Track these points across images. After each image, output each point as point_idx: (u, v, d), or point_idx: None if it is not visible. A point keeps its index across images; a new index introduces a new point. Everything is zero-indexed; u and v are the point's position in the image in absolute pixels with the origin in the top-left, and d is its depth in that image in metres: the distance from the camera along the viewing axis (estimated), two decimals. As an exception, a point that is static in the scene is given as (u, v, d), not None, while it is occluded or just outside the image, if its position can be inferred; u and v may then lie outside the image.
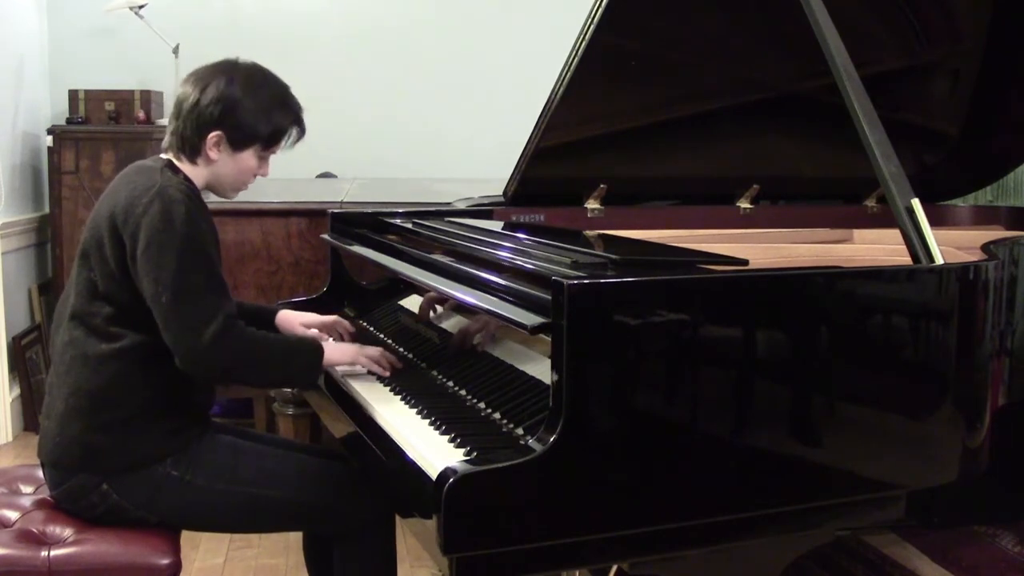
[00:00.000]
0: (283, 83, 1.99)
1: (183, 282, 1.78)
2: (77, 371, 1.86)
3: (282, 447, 2.09)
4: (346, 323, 2.24)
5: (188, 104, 1.91)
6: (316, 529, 2.11)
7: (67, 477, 1.87)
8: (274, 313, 2.23)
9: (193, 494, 1.88)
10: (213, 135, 1.90)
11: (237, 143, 1.92)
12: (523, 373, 1.72)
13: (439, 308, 2.16)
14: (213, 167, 1.94)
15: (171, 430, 1.89)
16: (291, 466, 1.99)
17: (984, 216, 2.96)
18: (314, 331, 2.19)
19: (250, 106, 1.91)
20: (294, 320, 2.21)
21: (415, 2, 5.16)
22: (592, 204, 2.55)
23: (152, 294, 1.79)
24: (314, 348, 1.93)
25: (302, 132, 2.01)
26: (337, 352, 1.97)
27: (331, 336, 2.20)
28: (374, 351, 2.00)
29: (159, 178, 1.85)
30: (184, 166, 1.94)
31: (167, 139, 1.96)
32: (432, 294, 2.18)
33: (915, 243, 1.71)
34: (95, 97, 4.59)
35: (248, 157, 1.95)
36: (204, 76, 1.93)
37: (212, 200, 2.02)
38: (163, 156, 1.97)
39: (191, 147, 1.92)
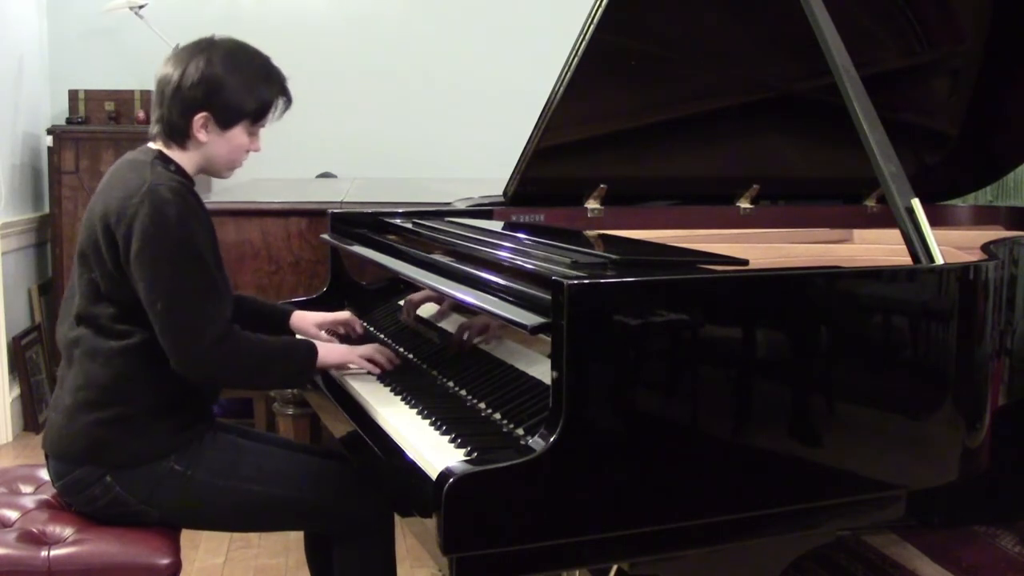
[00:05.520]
0: (264, 55, 1.95)
1: (176, 289, 1.77)
2: (87, 366, 1.86)
3: (283, 446, 2.09)
4: (357, 322, 2.23)
5: (170, 88, 1.87)
6: (316, 528, 2.11)
7: (71, 468, 1.87)
8: (288, 314, 2.23)
9: (194, 489, 1.88)
10: (199, 117, 1.87)
11: (224, 122, 1.89)
12: (523, 373, 1.71)
13: (420, 306, 2.16)
14: (204, 149, 1.91)
15: (177, 427, 1.89)
16: (292, 465, 1.99)
17: (984, 216, 2.97)
18: (324, 333, 2.20)
19: (233, 83, 1.87)
20: (309, 320, 2.21)
21: (416, 2, 5.17)
22: (592, 204, 2.54)
23: (147, 299, 1.78)
24: (307, 350, 1.93)
25: (289, 102, 1.96)
26: (328, 353, 1.97)
27: (339, 333, 2.20)
28: (366, 349, 2.00)
29: (149, 175, 1.83)
30: (174, 153, 1.91)
31: (153, 127, 1.93)
32: (412, 304, 2.18)
33: (915, 243, 1.71)
34: (95, 97, 4.60)
35: (238, 134, 1.92)
36: (183, 57, 1.89)
37: (209, 202, 2.01)
38: (152, 146, 1.93)
39: (179, 132, 1.89)
